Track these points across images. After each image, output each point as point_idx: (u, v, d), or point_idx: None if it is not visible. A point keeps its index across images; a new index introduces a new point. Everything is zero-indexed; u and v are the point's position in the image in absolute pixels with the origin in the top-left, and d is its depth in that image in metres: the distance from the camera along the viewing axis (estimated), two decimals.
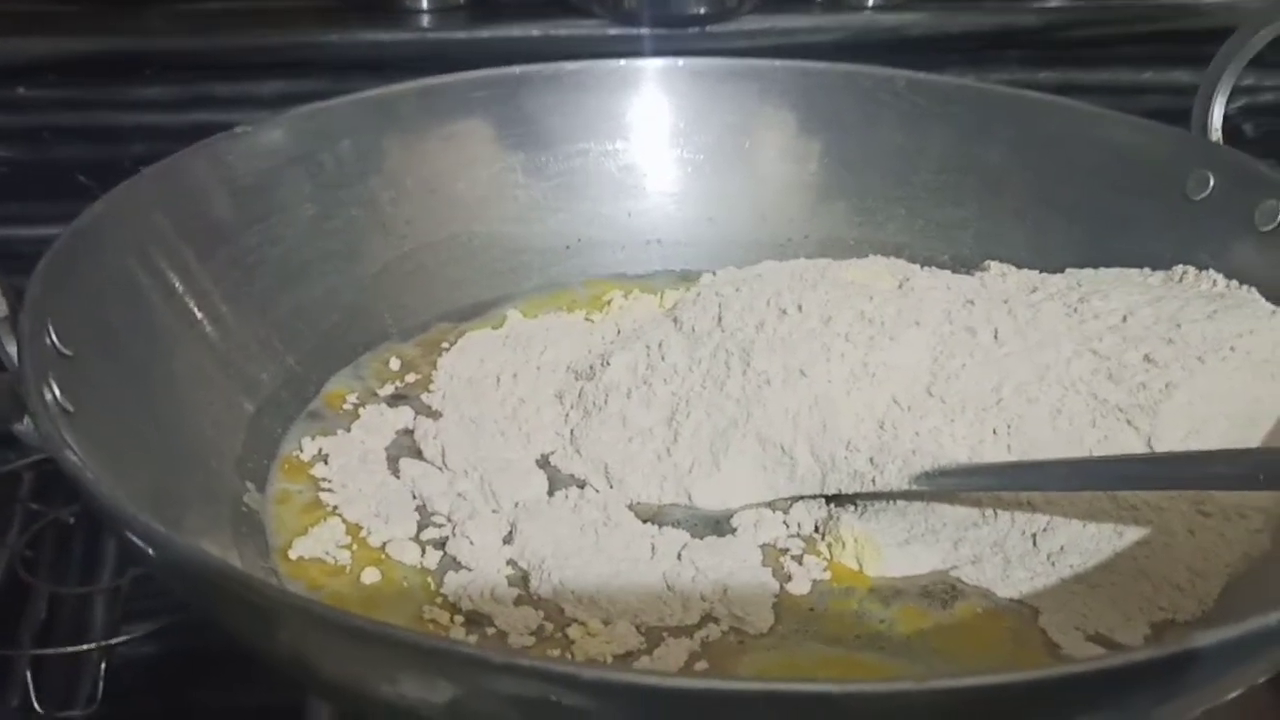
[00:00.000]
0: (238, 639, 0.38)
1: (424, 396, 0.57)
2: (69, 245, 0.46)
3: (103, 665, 0.52)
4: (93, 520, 0.57)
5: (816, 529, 0.49)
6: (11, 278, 0.45)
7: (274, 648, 0.36)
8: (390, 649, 0.32)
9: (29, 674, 0.51)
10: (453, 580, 0.46)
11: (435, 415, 0.55)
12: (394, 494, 0.50)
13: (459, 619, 0.44)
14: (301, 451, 0.53)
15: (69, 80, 0.79)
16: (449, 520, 0.49)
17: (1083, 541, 0.46)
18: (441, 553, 0.48)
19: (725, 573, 0.46)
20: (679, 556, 0.47)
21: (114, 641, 0.52)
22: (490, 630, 0.44)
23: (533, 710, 0.32)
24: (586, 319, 0.62)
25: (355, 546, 0.48)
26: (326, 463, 0.52)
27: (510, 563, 0.47)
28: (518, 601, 0.45)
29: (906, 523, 0.48)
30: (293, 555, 0.47)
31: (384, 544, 0.48)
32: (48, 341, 0.42)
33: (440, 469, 0.52)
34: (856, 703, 0.28)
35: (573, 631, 0.44)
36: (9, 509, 0.58)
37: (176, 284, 0.51)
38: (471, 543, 0.47)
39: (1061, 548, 0.46)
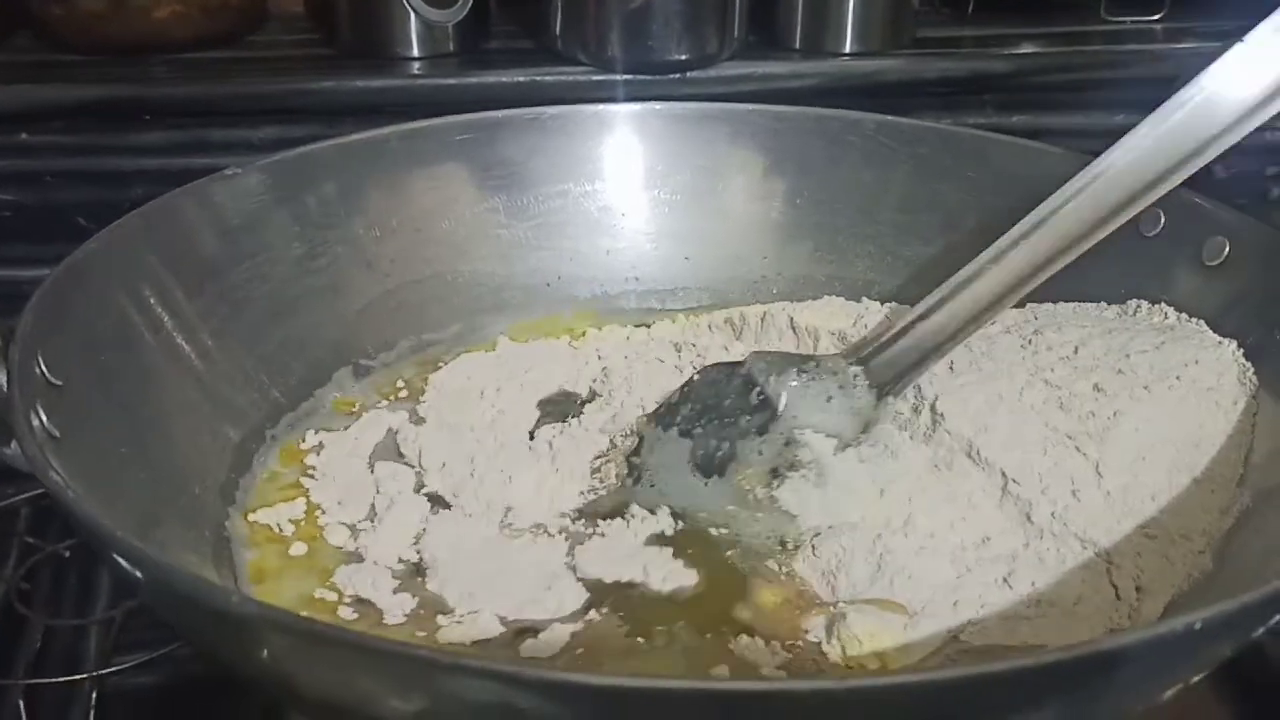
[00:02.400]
0: (214, 653, 0.40)
1: (415, 406, 0.61)
2: (61, 280, 0.48)
3: (94, 695, 0.53)
4: (87, 553, 0.58)
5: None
6: (14, 318, 0.46)
7: (248, 660, 0.37)
8: (348, 652, 0.33)
9: (22, 704, 0.51)
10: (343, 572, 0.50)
11: (420, 421, 0.59)
12: (359, 485, 0.55)
13: (347, 600, 0.49)
14: (303, 441, 0.58)
15: (71, 126, 0.82)
16: (374, 513, 0.54)
17: (1043, 575, 0.48)
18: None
19: None
20: None
21: (105, 672, 0.53)
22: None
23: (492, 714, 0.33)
24: (570, 344, 0.66)
25: (304, 523, 0.53)
26: (319, 453, 0.58)
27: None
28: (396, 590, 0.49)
29: (904, 602, 0.48)
30: (251, 519, 0.53)
31: (325, 525, 0.53)
32: (37, 371, 0.44)
33: (412, 468, 0.56)
34: (783, 701, 0.30)
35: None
36: (6, 543, 0.59)
37: (165, 318, 0.53)
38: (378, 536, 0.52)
39: (1032, 583, 0.47)
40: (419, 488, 0.55)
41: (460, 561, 0.50)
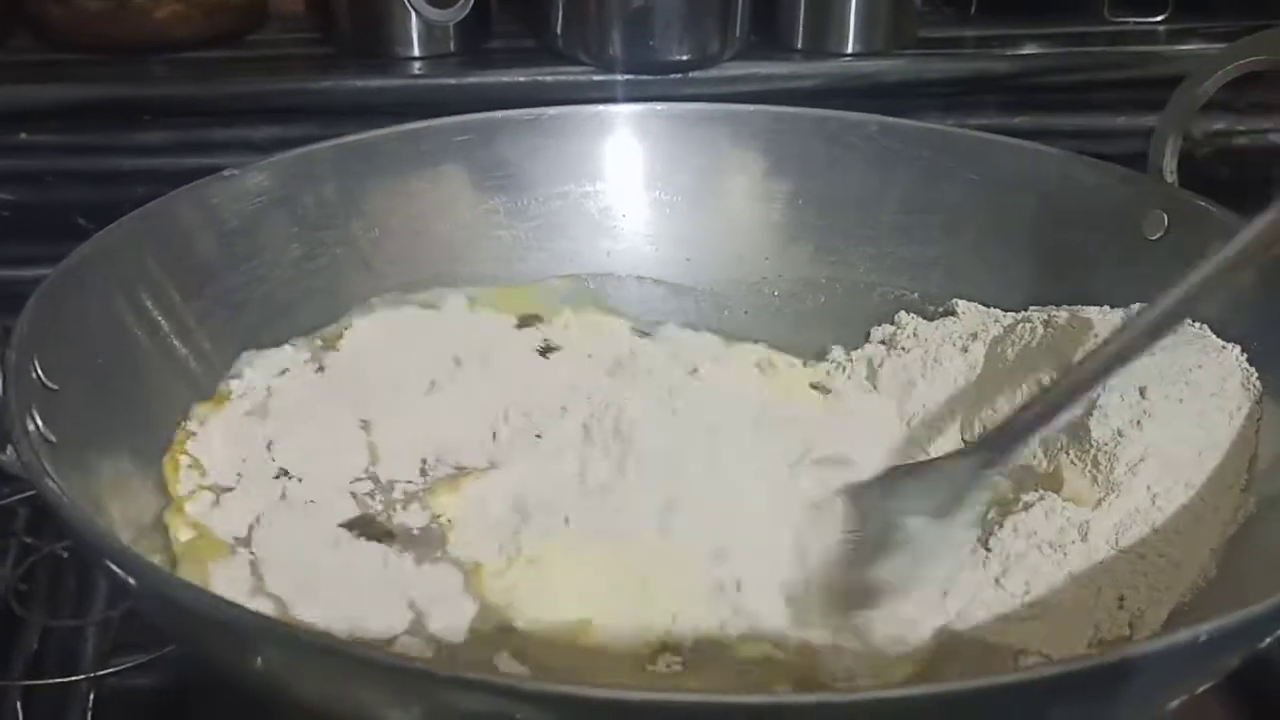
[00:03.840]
0: (213, 662, 0.40)
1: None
2: (57, 284, 0.48)
3: (91, 696, 0.53)
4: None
5: None
6: (12, 317, 0.46)
7: (243, 668, 0.37)
8: (349, 664, 0.33)
9: (19, 705, 0.52)
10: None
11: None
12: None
13: None
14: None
15: (71, 125, 0.81)
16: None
17: (1040, 580, 0.47)
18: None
19: None
20: None
21: (103, 673, 0.53)
22: None
23: None
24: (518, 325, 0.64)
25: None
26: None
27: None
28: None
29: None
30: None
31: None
32: (33, 375, 0.43)
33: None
34: (789, 714, 0.30)
35: None
36: (3, 543, 0.59)
37: (162, 322, 0.53)
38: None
39: (1027, 586, 0.47)
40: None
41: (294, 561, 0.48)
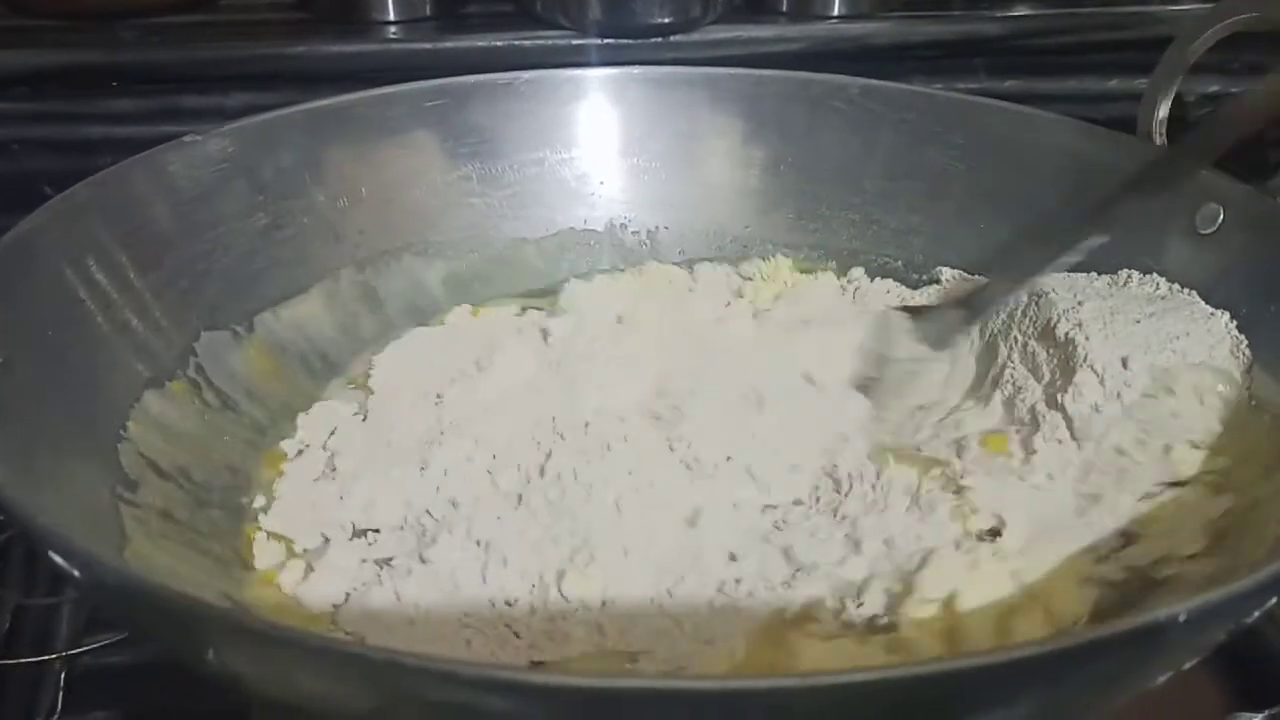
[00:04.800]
0: (165, 649, 0.39)
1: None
2: (4, 254, 0.47)
3: (63, 675, 0.52)
4: None
5: None
6: None
7: (194, 659, 0.36)
8: (296, 652, 0.32)
9: None
10: None
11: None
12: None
13: None
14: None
15: (37, 93, 0.80)
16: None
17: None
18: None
19: None
20: None
21: (76, 651, 0.53)
22: None
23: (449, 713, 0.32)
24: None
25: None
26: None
27: None
28: None
29: None
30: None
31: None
32: None
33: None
34: (755, 699, 0.28)
35: None
36: None
37: (116, 294, 0.51)
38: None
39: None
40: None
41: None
